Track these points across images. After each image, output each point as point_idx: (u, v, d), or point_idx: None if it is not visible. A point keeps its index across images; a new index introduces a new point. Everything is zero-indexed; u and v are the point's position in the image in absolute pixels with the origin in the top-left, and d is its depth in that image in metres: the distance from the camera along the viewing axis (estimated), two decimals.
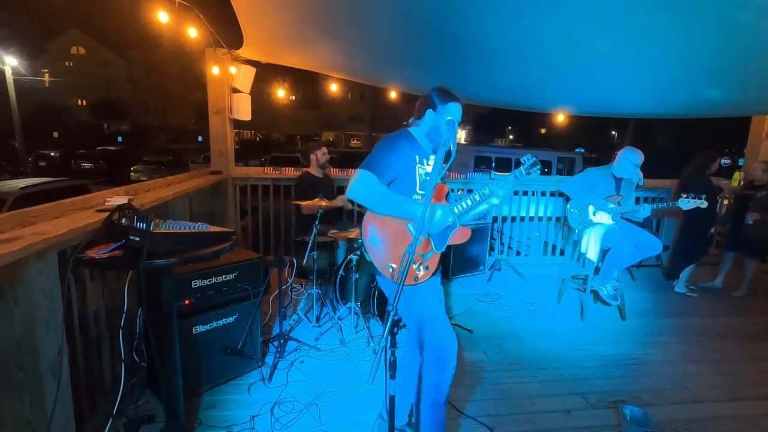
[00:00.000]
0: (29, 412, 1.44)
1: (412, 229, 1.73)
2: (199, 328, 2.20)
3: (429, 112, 1.77)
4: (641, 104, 4.21)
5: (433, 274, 1.77)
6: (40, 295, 1.43)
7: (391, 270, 1.69)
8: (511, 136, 38.25)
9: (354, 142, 39.29)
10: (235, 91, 4.14)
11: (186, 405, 1.87)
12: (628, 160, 3.36)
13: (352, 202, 3.64)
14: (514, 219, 4.92)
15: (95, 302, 1.94)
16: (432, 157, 1.82)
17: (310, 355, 2.71)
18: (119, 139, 30.56)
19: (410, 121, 1.89)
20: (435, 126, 1.77)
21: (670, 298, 4.04)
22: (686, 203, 3.12)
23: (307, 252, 2.98)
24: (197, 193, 3.39)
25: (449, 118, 1.65)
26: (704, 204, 3.09)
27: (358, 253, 3.07)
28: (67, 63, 34.73)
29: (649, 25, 2.16)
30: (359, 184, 1.66)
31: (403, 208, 1.68)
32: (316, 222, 2.98)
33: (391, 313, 1.30)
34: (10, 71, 14.37)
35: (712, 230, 4.42)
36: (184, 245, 1.49)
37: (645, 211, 3.24)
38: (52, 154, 18.70)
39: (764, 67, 2.55)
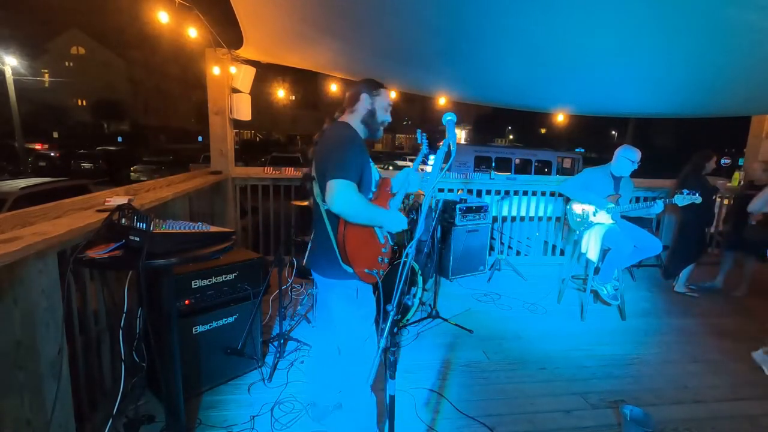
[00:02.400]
0: (29, 412, 1.44)
1: (379, 233, 1.74)
2: (199, 328, 2.20)
3: (365, 95, 1.74)
4: (642, 104, 4.21)
5: None
6: (40, 295, 1.43)
7: (374, 274, 1.69)
8: (511, 136, 38.26)
9: None
10: (235, 91, 4.14)
11: (186, 405, 1.87)
12: (625, 158, 3.37)
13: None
14: (514, 219, 4.92)
15: (95, 302, 1.94)
16: None
17: (310, 356, 2.70)
18: (119, 139, 30.55)
19: (340, 114, 1.79)
20: (372, 109, 1.76)
21: (670, 298, 4.04)
22: (681, 199, 3.17)
23: (307, 252, 2.97)
24: (197, 193, 3.39)
25: (449, 118, 1.63)
26: (698, 199, 3.14)
27: None
28: (67, 63, 34.69)
29: (650, 25, 2.16)
30: (344, 196, 1.51)
31: (378, 214, 1.64)
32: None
33: (391, 313, 1.31)
34: (10, 71, 14.40)
35: (712, 230, 4.42)
36: (184, 245, 1.49)
37: (658, 207, 3.26)
38: (52, 154, 18.70)
39: (765, 67, 2.55)
